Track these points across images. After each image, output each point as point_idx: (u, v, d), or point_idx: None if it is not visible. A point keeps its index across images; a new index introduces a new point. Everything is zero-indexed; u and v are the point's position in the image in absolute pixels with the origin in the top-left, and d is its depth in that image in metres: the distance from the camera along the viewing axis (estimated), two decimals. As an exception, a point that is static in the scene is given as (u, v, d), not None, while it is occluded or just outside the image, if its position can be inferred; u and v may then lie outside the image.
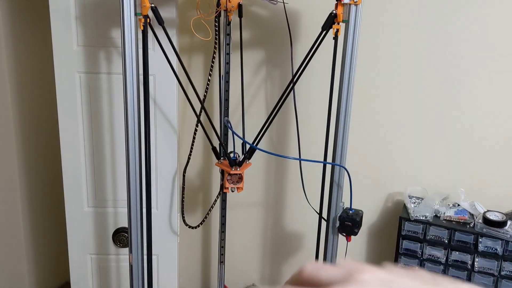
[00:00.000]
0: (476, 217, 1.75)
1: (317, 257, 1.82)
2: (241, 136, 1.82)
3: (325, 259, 1.66)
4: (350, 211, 1.56)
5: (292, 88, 1.65)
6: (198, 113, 1.69)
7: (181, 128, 2.08)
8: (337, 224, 1.57)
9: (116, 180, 1.87)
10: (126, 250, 1.94)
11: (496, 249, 1.68)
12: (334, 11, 1.41)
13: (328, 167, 1.63)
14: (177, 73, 1.62)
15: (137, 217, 1.54)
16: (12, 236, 2.25)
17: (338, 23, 1.42)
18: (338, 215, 1.56)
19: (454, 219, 1.75)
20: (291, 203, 2.17)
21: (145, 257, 1.63)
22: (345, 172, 1.53)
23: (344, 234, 1.58)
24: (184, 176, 1.91)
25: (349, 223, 1.54)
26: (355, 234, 1.56)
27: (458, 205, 1.81)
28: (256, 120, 2.03)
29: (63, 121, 1.78)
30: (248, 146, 1.72)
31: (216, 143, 1.78)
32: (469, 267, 1.72)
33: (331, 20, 1.42)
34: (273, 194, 2.18)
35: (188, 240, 2.32)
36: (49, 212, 2.35)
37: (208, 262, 2.38)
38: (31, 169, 2.24)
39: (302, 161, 1.91)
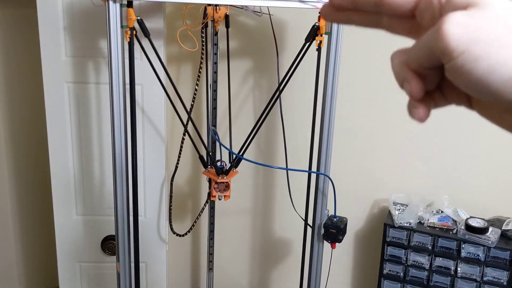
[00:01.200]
0: (459, 224, 1.78)
1: (303, 263, 1.84)
2: (229, 144, 1.84)
3: (310, 265, 1.69)
4: (335, 219, 1.58)
5: (278, 97, 1.67)
6: (185, 122, 1.72)
7: (170, 136, 2.10)
8: (322, 232, 1.60)
9: (105, 188, 1.88)
10: (115, 258, 1.96)
11: (478, 255, 1.71)
12: (317, 23, 1.44)
13: (313, 175, 1.65)
14: (164, 83, 1.64)
15: (124, 225, 1.55)
16: (2, 244, 2.25)
17: (321, 35, 1.45)
18: (323, 222, 1.59)
19: (437, 226, 1.78)
20: (279, 210, 2.19)
21: (132, 264, 1.64)
22: (330, 180, 1.56)
23: (329, 241, 1.60)
24: (171, 184, 1.93)
25: (333, 230, 1.57)
26: (340, 241, 1.58)
27: (442, 211, 1.84)
28: (244, 128, 2.06)
29: (52, 130, 1.80)
30: (234, 156, 1.74)
31: (204, 151, 1.80)
32: (452, 273, 1.76)
33: (314, 32, 1.45)
34: (261, 201, 2.21)
35: (177, 248, 2.33)
36: (39, 220, 2.36)
37: (197, 269, 2.39)
38: (21, 177, 2.25)
39: (289, 169, 1.93)
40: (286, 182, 1.89)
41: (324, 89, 1.49)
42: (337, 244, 1.61)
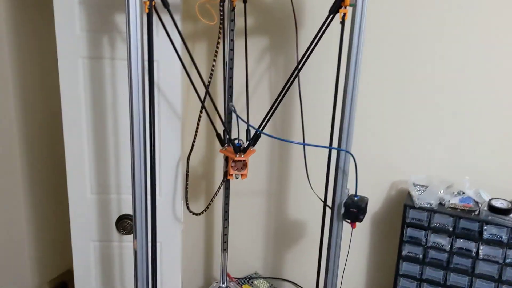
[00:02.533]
0: (481, 205, 1.74)
1: (321, 245, 1.81)
2: (246, 122, 1.81)
3: (329, 246, 1.66)
4: (356, 198, 1.55)
5: (297, 74, 1.63)
6: (202, 98, 1.68)
7: (184, 115, 2.07)
8: (342, 211, 1.56)
9: (119, 167, 1.86)
10: (130, 237, 1.94)
11: (501, 237, 1.67)
12: (341, -5, 1.39)
13: (334, 153, 1.62)
14: (181, 58, 1.61)
15: (141, 204, 1.53)
16: (14, 223, 2.24)
17: (345, 7, 1.41)
18: (343, 201, 1.56)
19: (459, 207, 1.75)
20: (295, 191, 2.16)
21: (149, 243, 1.62)
22: (350, 158, 1.52)
23: (349, 221, 1.57)
24: (188, 163, 1.90)
25: (354, 209, 1.53)
26: (360, 220, 1.55)
27: (463, 193, 1.81)
28: (260, 107, 2.02)
29: (66, 106, 1.77)
30: (252, 133, 1.71)
31: (220, 130, 1.77)
32: (474, 254, 1.72)
33: (338, 4, 1.40)
34: (276, 182, 2.18)
35: (191, 228, 2.31)
36: (52, 198, 2.34)
37: (211, 250, 2.38)
38: (34, 155, 2.23)
39: (306, 150, 1.90)
40: (302, 164, 1.85)
41: (347, 64, 1.45)
42: (356, 224, 1.58)
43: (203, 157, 2.21)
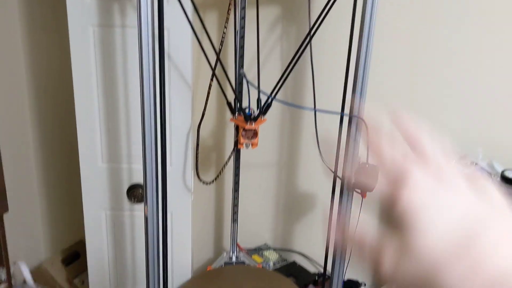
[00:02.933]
0: (494, 176, 1.72)
1: (331, 215, 1.81)
2: (257, 92, 1.80)
3: (339, 217, 1.66)
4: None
5: (310, 41, 1.61)
6: (213, 66, 1.67)
7: (195, 84, 2.05)
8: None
9: (130, 136, 1.86)
10: (141, 206, 1.95)
11: (513, 208, 1.66)
12: (355, -41, 1.36)
13: (345, 123, 1.60)
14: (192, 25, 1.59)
15: (152, 174, 1.53)
16: (26, 193, 2.27)
17: (359, -28, 1.38)
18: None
19: (471, 178, 1.73)
20: (305, 162, 2.16)
21: (160, 213, 1.63)
22: (364, 123, 1.51)
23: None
24: (198, 132, 1.89)
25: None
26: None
27: (476, 164, 1.79)
28: (271, 77, 2.00)
29: (77, 75, 1.76)
30: (263, 102, 1.70)
31: (231, 99, 1.76)
32: (485, 226, 1.71)
33: (352, -32, 1.37)
34: (286, 153, 2.17)
35: (201, 199, 2.32)
36: (64, 168, 2.36)
37: (221, 221, 2.39)
38: (45, 125, 2.24)
39: (317, 120, 1.89)
40: (312, 135, 1.84)
41: (360, 31, 1.42)
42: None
43: (214, 127, 2.20)
